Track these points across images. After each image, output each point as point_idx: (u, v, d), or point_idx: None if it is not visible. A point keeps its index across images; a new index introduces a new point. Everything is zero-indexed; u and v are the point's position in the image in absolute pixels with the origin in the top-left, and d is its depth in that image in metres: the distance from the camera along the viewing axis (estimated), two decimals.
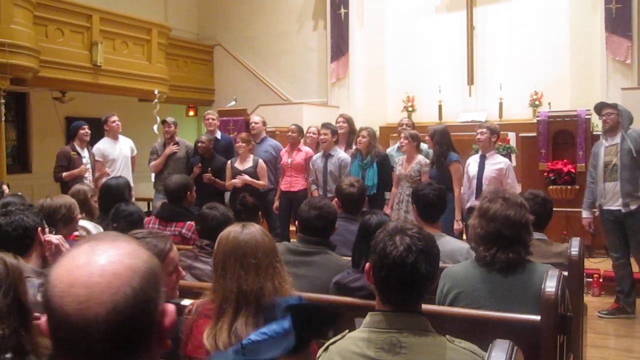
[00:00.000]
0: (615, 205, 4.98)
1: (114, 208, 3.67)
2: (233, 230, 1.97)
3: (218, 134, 6.96)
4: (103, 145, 6.77)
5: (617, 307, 5.07)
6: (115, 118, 6.79)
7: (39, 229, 2.49)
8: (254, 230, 1.96)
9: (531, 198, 3.21)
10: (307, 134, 6.74)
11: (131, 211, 3.62)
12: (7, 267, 1.57)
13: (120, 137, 6.92)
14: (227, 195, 6.54)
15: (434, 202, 3.35)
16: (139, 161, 7.23)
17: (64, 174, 6.17)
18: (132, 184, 6.88)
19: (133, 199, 6.98)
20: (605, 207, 5.05)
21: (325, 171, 6.09)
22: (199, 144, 6.45)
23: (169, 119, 6.97)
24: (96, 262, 0.86)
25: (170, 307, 0.93)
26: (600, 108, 5.28)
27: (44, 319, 0.88)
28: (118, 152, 6.78)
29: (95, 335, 0.82)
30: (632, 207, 4.91)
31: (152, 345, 0.90)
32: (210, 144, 6.46)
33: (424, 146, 6.04)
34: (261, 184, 6.17)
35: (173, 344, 1.88)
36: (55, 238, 2.52)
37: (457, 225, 5.36)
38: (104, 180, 6.35)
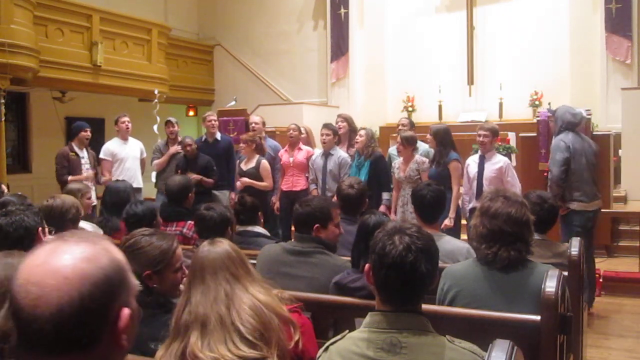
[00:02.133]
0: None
1: (124, 210, 3.64)
2: (201, 247, 1.96)
3: (218, 135, 6.97)
4: (112, 145, 6.82)
5: None
6: (125, 119, 6.83)
7: (39, 229, 2.50)
8: (211, 248, 1.91)
9: (538, 202, 3.20)
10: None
11: (139, 215, 3.45)
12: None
13: (131, 138, 6.97)
14: (224, 194, 6.57)
15: (431, 202, 3.35)
16: None
17: (69, 178, 6.12)
18: (141, 185, 6.95)
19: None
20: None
21: (325, 170, 6.09)
22: (188, 148, 6.41)
23: (173, 119, 6.99)
24: (52, 263, 0.91)
25: (125, 312, 0.96)
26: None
27: None
28: (126, 152, 6.81)
29: (42, 331, 0.89)
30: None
31: (104, 344, 0.94)
32: (194, 144, 6.49)
33: (424, 146, 6.03)
34: (263, 184, 6.14)
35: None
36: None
37: (449, 222, 5.27)
38: (113, 178, 6.41)
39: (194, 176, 6.17)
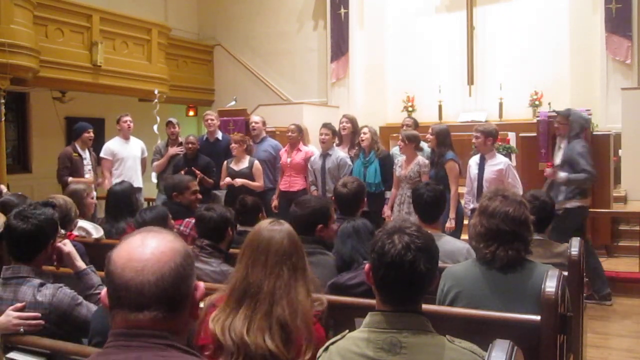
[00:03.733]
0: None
1: (137, 214, 3.63)
2: (262, 224, 2.02)
3: (219, 134, 6.97)
4: (113, 144, 6.82)
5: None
6: (127, 118, 6.84)
7: (54, 238, 2.50)
8: (278, 228, 1.98)
9: (530, 200, 3.20)
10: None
11: (147, 222, 3.34)
12: None
13: (132, 138, 6.96)
14: (224, 194, 6.57)
15: (429, 202, 3.35)
16: None
17: (70, 179, 6.11)
18: (141, 185, 6.95)
19: (142, 200, 7.03)
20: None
21: (324, 171, 6.09)
22: (190, 145, 6.43)
23: (174, 120, 6.99)
24: (148, 244, 1.16)
25: (201, 284, 1.22)
26: (555, 115, 5.81)
27: (104, 292, 1.18)
28: (127, 152, 6.81)
29: (147, 295, 1.11)
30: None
31: (187, 311, 1.18)
32: (197, 144, 6.49)
33: (424, 146, 6.04)
34: (255, 185, 6.13)
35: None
36: (66, 248, 2.53)
37: (449, 223, 5.29)
38: (113, 179, 6.41)
39: (197, 172, 6.18)
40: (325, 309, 2.01)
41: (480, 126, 5.60)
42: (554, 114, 5.79)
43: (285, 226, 2.00)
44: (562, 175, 5.29)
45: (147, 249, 1.14)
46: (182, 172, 6.09)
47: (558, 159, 5.55)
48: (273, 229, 1.97)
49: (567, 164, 5.34)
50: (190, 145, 6.43)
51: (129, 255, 1.14)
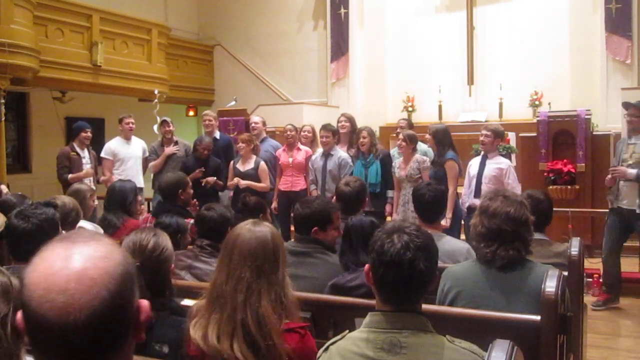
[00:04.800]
0: (628, 204, 5.01)
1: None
2: (240, 224, 1.92)
3: (217, 134, 6.96)
4: (114, 144, 6.82)
5: (609, 298, 5.24)
6: (129, 120, 6.83)
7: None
8: (253, 228, 1.87)
9: (526, 199, 3.20)
10: (302, 133, 6.69)
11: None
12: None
13: (134, 137, 6.96)
14: (225, 194, 6.56)
15: (430, 202, 3.35)
16: None
17: (70, 176, 6.17)
18: (142, 185, 6.95)
19: (142, 200, 7.03)
20: (617, 205, 5.09)
21: (325, 171, 6.09)
22: (206, 152, 6.33)
23: (168, 119, 6.98)
24: (72, 268, 0.87)
25: (144, 303, 0.96)
26: (626, 107, 5.30)
27: (19, 316, 0.89)
28: (128, 152, 6.80)
29: (74, 339, 0.85)
30: None
31: (130, 340, 0.94)
32: (210, 147, 6.47)
33: (422, 146, 6.04)
34: (261, 186, 6.11)
35: (176, 344, 1.88)
36: None
37: (445, 222, 5.27)
38: (114, 178, 6.40)
39: (209, 179, 6.17)
40: (308, 323, 1.90)
41: (490, 125, 5.59)
42: (631, 104, 5.20)
43: (262, 228, 1.87)
44: (632, 171, 4.85)
45: (72, 274, 0.86)
46: (201, 171, 6.13)
47: (627, 154, 5.07)
48: (246, 228, 1.86)
49: None
50: (205, 152, 6.31)
51: (46, 281, 0.86)
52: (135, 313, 0.94)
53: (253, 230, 1.85)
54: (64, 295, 0.85)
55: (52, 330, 0.85)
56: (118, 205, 4.19)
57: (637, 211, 4.93)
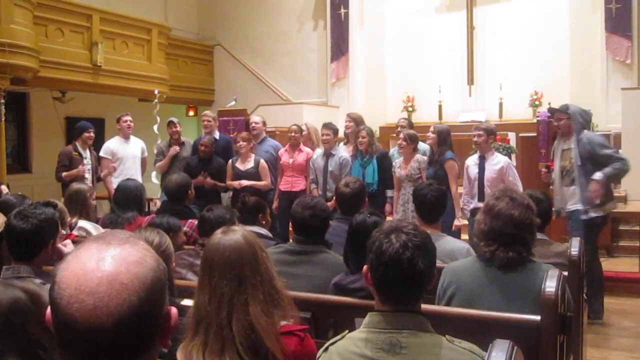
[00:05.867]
0: (575, 207, 4.88)
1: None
2: (214, 235, 1.85)
3: (216, 134, 6.96)
4: (112, 143, 6.82)
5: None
6: (127, 118, 6.83)
7: (54, 238, 2.50)
8: (225, 238, 1.80)
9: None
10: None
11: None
12: None
13: (132, 137, 6.96)
14: (225, 194, 6.57)
15: (432, 202, 3.34)
16: None
17: (64, 174, 6.20)
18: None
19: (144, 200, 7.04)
20: (568, 210, 4.97)
21: (326, 171, 6.09)
22: (203, 148, 6.38)
23: (175, 120, 6.99)
24: (104, 270, 0.86)
25: (174, 310, 0.95)
26: (551, 113, 5.28)
27: (49, 312, 0.89)
28: (127, 151, 6.80)
29: (100, 342, 0.84)
30: (592, 215, 4.79)
31: (155, 346, 0.93)
32: (212, 147, 6.47)
33: (423, 146, 6.04)
34: (262, 184, 6.15)
35: (174, 345, 1.88)
36: (66, 249, 2.53)
37: (458, 222, 5.34)
38: (113, 178, 6.42)
39: (209, 180, 6.18)
40: (307, 325, 1.86)
41: (481, 124, 5.60)
42: (556, 110, 5.14)
43: (231, 235, 1.81)
44: (599, 175, 4.64)
45: (103, 277, 0.86)
46: (204, 174, 6.14)
47: (565, 161, 4.97)
48: (216, 242, 1.79)
49: (590, 162, 4.75)
50: (203, 148, 6.36)
51: (78, 281, 0.86)
52: (164, 319, 0.93)
53: (224, 240, 1.79)
54: (93, 297, 0.85)
55: (78, 330, 0.84)
56: (133, 203, 4.21)
57: (583, 217, 4.79)
